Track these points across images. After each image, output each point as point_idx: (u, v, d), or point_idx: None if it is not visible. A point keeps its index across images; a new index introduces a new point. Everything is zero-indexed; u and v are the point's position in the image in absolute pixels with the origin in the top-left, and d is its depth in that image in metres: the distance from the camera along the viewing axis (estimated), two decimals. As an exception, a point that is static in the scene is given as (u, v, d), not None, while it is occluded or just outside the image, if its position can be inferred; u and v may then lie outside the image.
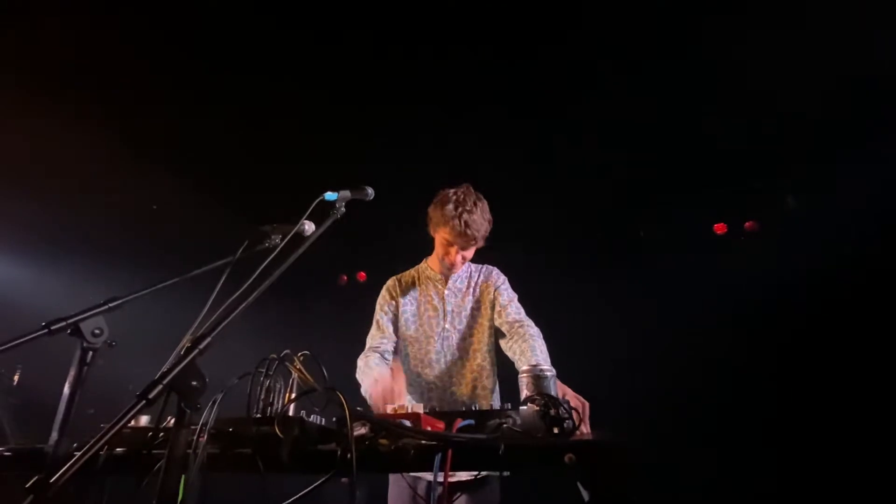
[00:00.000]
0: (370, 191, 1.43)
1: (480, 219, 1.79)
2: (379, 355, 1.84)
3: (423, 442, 0.91)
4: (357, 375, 1.82)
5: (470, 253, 1.89)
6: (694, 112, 3.20)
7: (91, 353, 1.07)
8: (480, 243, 1.87)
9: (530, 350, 1.62)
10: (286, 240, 1.32)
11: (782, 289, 3.31)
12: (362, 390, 1.77)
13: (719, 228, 3.75)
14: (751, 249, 3.64)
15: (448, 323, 1.88)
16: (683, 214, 3.82)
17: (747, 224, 3.70)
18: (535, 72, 3.07)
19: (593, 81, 3.07)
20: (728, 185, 3.68)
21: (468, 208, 1.77)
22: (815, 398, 3.09)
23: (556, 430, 0.91)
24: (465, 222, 1.75)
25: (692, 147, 3.43)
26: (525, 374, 1.12)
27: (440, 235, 1.86)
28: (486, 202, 1.86)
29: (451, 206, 1.77)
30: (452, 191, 1.84)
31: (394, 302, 1.94)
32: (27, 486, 0.67)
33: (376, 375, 1.70)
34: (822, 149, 3.35)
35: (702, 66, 2.92)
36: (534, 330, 1.74)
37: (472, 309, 1.89)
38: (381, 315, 1.93)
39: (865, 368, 3.04)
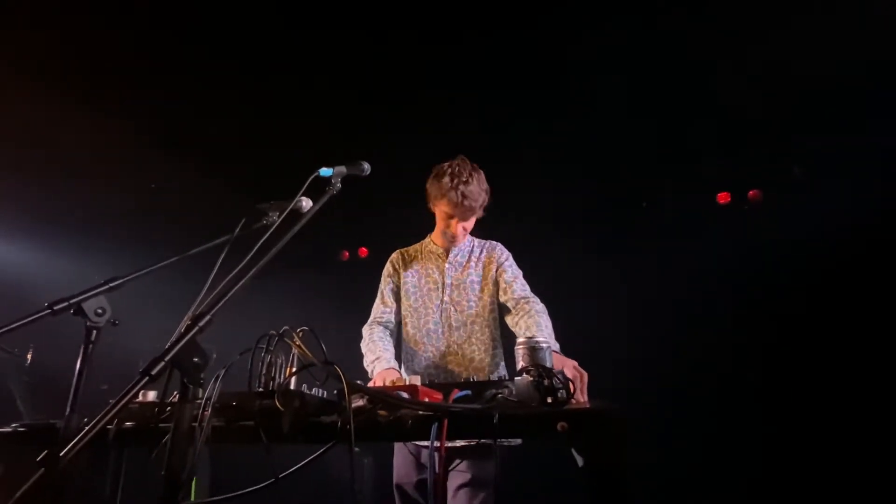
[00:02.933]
0: (366, 166, 1.42)
1: (477, 188, 1.81)
2: (382, 327, 1.92)
3: (421, 412, 0.93)
4: (361, 345, 1.89)
5: (470, 224, 1.91)
6: (701, 79, 3.13)
7: (95, 331, 1.09)
8: (480, 213, 1.89)
9: (535, 325, 1.64)
10: (282, 216, 1.32)
11: (786, 259, 3.30)
12: (364, 362, 1.82)
13: (722, 198, 3.71)
14: (755, 219, 3.61)
15: (447, 296, 1.89)
16: (687, 183, 3.77)
17: (751, 193, 3.65)
18: (534, 41, 2.99)
19: (595, 50, 2.99)
20: (732, 153, 3.62)
21: (464, 179, 1.78)
22: (820, 369, 3.08)
23: (549, 400, 0.94)
24: (462, 193, 1.77)
25: (696, 115, 3.35)
26: (521, 346, 1.14)
27: (439, 209, 1.88)
28: (482, 172, 1.87)
29: (447, 179, 1.79)
30: (447, 164, 1.85)
31: (396, 274, 2.00)
32: (38, 459, 0.70)
33: (379, 354, 1.76)
34: (833, 120, 3.26)
35: (711, 32, 2.83)
36: (539, 306, 1.76)
37: (473, 283, 1.91)
38: (385, 287, 2.00)
39: (872, 340, 3.03)
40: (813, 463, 2.93)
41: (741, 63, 2.97)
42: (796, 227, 3.32)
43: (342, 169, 1.36)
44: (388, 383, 1.08)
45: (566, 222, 3.91)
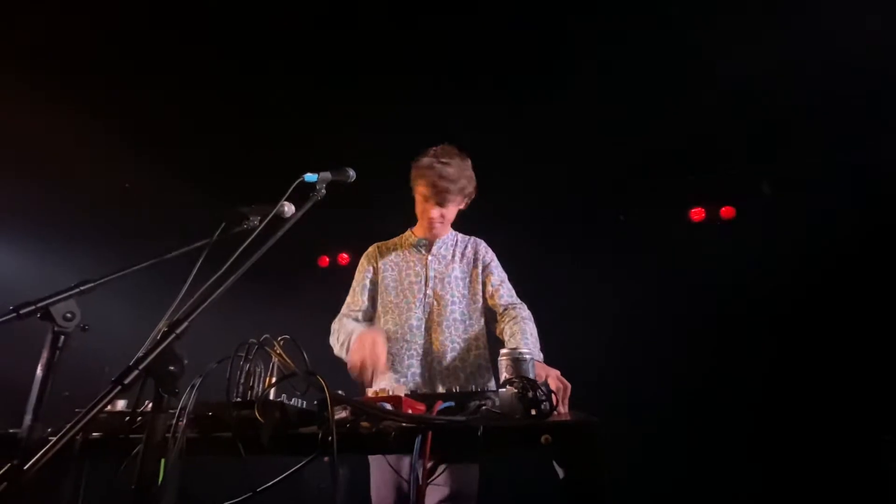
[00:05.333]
0: (351, 172, 1.40)
1: (457, 171, 1.75)
2: (352, 319, 1.83)
3: (404, 424, 0.92)
4: (331, 339, 1.79)
5: (449, 212, 1.83)
6: (674, 98, 3.23)
7: (63, 337, 1.04)
8: (459, 198, 1.82)
9: (520, 333, 1.61)
10: (265, 221, 1.29)
11: (756, 274, 3.41)
12: (336, 350, 1.74)
13: (696, 214, 3.82)
14: (727, 234, 3.73)
15: (430, 289, 1.82)
16: (662, 199, 3.87)
17: (723, 210, 3.78)
18: (516, 53, 3.04)
19: (575, 64, 3.05)
20: (705, 170, 3.73)
21: (444, 160, 1.75)
22: (794, 384, 3.20)
23: (533, 412, 0.94)
24: (440, 173, 1.72)
25: (670, 132, 3.45)
26: (504, 357, 1.14)
27: (418, 191, 1.82)
28: (468, 160, 1.82)
29: (426, 159, 1.76)
30: (434, 147, 1.82)
31: (371, 269, 1.90)
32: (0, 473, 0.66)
33: (353, 327, 1.67)
34: (801, 136, 3.41)
35: (683, 51, 2.93)
36: (525, 313, 1.73)
37: (458, 278, 1.84)
38: (358, 283, 1.90)
39: (841, 349, 3.16)
40: (787, 476, 3.02)
41: (715, 81, 3.07)
42: (768, 242, 3.45)
43: (327, 175, 1.34)
44: (373, 392, 1.06)
45: (544, 234, 3.96)
